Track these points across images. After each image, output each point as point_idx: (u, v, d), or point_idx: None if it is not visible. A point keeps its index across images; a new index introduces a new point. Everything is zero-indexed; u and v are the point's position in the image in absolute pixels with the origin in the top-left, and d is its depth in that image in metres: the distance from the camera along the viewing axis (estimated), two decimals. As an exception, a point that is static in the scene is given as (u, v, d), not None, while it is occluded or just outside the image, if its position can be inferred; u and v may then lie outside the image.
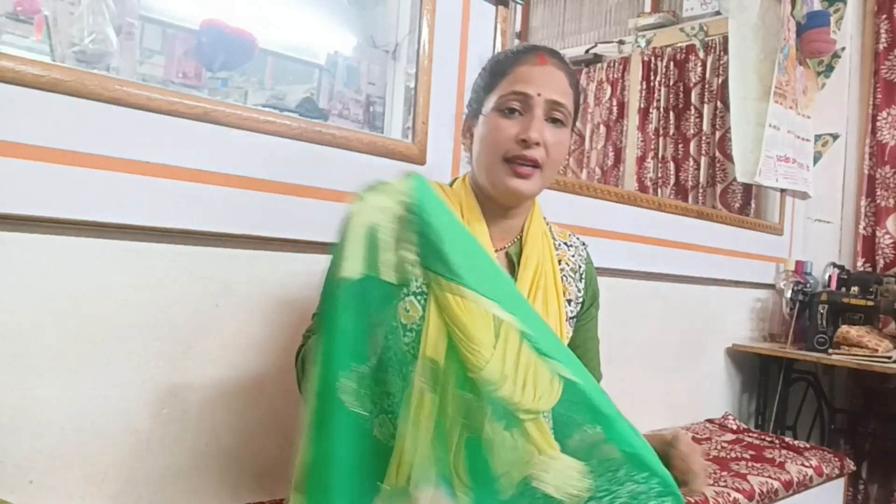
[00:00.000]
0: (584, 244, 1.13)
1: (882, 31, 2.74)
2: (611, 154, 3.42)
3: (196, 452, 1.20)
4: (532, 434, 0.82)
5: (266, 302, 1.27)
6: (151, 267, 1.14)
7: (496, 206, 1.00)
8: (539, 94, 0.94)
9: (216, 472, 1.23)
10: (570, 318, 1.05)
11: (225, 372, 1.23)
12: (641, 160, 3.23)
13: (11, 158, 0.98)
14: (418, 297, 0.86)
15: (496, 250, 1.00)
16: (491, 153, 0.95)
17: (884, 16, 2.74)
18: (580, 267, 1.09)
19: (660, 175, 3.15)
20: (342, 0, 1.99)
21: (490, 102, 0.97)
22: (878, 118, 2.73)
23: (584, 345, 1.11)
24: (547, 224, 1.08)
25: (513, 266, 1.01)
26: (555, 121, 0.96)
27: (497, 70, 0.98)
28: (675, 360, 2.32)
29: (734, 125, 2.32)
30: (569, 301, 1.05)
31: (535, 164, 0.94)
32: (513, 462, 0.78)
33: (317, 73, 1.97)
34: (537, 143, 0.93)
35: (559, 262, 1.05)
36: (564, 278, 1.04)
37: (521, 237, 1.03)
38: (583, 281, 1.08)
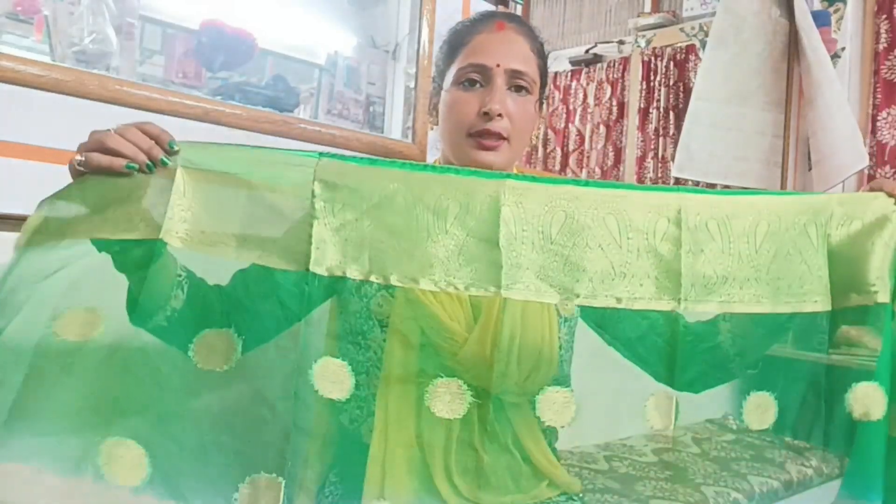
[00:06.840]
0: None
1: (882, 31, 2.74)
2: (611, 154, 3.42)
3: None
4: (517, 426, 0.83)
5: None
6: (151, 267, 1.13)
7: None
8: (498, 65, 0.89)
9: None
10: None
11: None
12: (641, 160, 3.23)
13: (12, 158, 0.98)
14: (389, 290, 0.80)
15: None
16: (454, 129, 0.91)
17: (884, 16, 2.74)
18: None
19: (660, 175, 3.15)
20: (342, 0, 1.99)
21: (450, 76, 0.92)
22: (878, 118, 2.72)
23: None
24: None
25: None
26: (518, 88, 0.90)
27: (455, 41, 0.94)
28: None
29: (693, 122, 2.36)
30: None
31: (501, 136, 0.89)
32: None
33: (317, 73, 1.97)
34: (500, 115, 0.88)
35: None
36: None
37: None
38: None
